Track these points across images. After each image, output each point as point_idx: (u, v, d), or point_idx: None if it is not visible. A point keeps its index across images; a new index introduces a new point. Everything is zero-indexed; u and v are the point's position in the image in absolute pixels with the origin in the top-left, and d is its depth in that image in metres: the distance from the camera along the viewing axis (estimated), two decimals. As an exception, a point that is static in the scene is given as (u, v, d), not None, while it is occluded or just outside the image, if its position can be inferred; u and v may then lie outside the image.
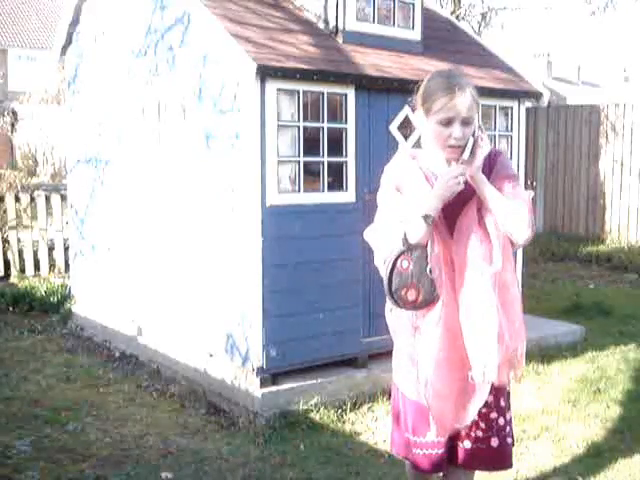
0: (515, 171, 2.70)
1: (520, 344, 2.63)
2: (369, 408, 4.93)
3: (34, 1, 34.95)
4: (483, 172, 2.60)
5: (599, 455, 4.12)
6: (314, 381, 4.90)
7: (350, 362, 5.18)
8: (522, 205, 2.56)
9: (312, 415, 4.69)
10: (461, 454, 2.74)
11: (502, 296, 2.59)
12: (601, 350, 6.05)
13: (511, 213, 2.55)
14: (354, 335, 5.16)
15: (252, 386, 4.77)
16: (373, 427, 4.67)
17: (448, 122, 2.54)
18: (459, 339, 2.58)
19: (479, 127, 2.62)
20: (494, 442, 2.71)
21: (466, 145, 2.57)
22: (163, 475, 3.90)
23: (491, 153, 2.69)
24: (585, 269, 9.98)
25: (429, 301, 2.57)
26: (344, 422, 4.72)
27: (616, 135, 11.13)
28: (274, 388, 4.77)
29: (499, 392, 2.71)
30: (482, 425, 2.70)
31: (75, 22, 6.74)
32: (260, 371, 4.76)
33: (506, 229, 2.56)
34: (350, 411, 4.84)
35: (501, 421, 2.72)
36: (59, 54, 7.04)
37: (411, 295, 2.57)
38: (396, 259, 2.57)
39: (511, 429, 2.78)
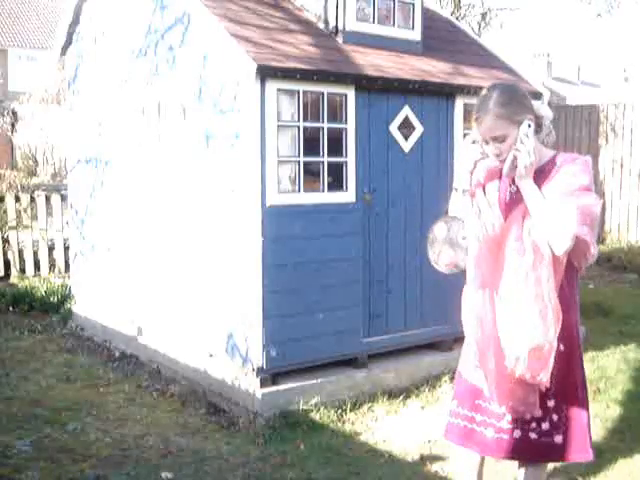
0: (583, 180, 2.70)
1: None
2: (369, 408, 4.93)
3: (34, 1, 34.95)
4: (542, 178, 2.71)
5: (599, 455, 4.09)
6: (314, 381, 4.90)
7: (350, 362, 5.18)
8: (562, 218, 2.58)
9: (312, 415, 4.69)
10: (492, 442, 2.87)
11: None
12: (601, 350, 6.05)
13: (548, 225, 2.61)
14: (354, 335, 5.16)
15: (252, 386, 4.77)
16: (373, 427, 4.67)
17: (484, 142, 2.76)
18: (488, 325, 2.75)
19: (524, 136, 2.68)
20: (516, 433, 2.80)
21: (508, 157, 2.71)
22: (163, 475, 3.90)
23: (555, 160, 2.78)
24: (585, 269, 9.98)
25: (459, 267, 2.86)
26: (344, 422, 4.72)
27: (616, 135, 11.12)
28: (274, 388, 4.77)
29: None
30: (508, 417, 2.81)
31: (75, 22, 6.74)
32: (260, 371, 4.76)
33: (546, 238, 2.63)
34: (350, 411, 4.84)
35: (527, 416, 2.79)
36: (59, 54, 7.04)
37: (441, 256, 2.89)
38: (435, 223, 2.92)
39: (550, 422, 2.80)
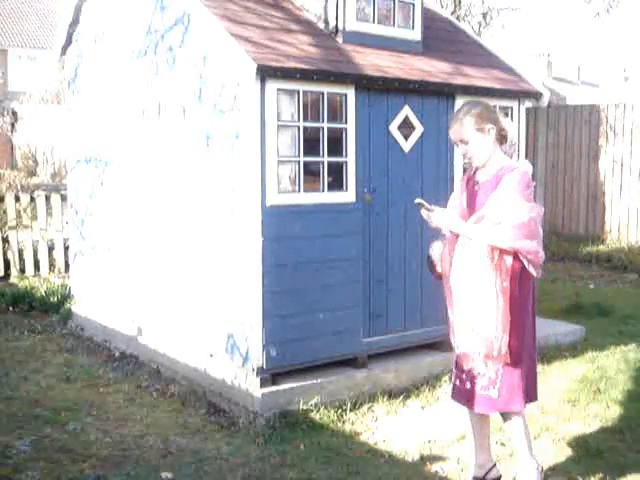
0: (514, 189, 3.37)
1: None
2: (369, 408, 4.93)
3: (34, 1, 34.97)
4: (494, 183, 3.45)
5: (599, 455, 4.12)
6: (314, 381, 4.90)
7: (350, 362, 5.18)
8: (494, 229, 3.34)
9: (312, 415, 4.69)
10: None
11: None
12: (601, 350, 6.05)
13: (485, 237, 3.38)
14: (354, 335, 5.16)
15: (252, 386, 4.77)
16: (373, 427, 4.67)
17: (456, 144, 3.61)
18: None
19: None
20: (467, 385, 3.54)
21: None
22: (163, 475, 3.90)
23: (505, 168, 3.47)
24: (585, 269, 9.98)
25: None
26: (344, 422, 4.72)
27: (616, 135, 11.12)
28: (274, 388, 4.77)
29: None
30: (465, 370, 3.55)
31: (75, 22, 6.74)
32: (260, 371, 4.76)
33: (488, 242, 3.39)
34: (350, 411, 4.84)
35: (475, 372, 3.48)
36: (59, 54, 7.04)
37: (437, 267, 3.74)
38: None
39: (488, 379, 3.46)
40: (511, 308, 3.36)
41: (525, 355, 3.50)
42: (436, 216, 3.54)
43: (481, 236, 3.38)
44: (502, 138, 3.55)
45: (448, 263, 3.55)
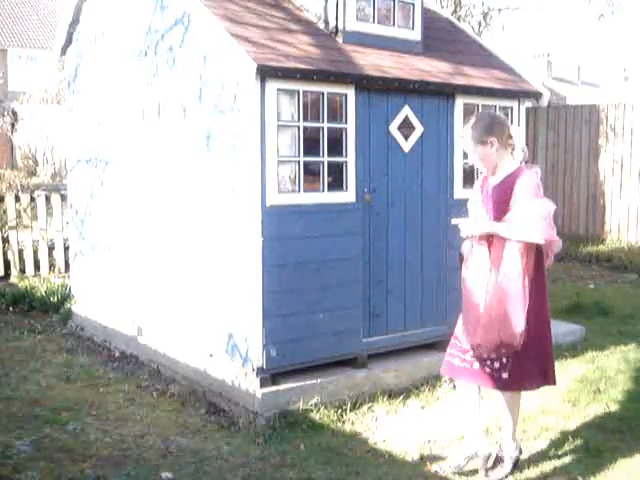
0: (530, 187, 3.65)
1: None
2: (369, 408, 4.93)
3: (34, 1, 34.98)
4: (508, 186, 3.72)
5: (599, 455, 4.12)
6: (314, 381, 4.90)
7: (350, 362, 5.18)
8: (522, 224, 3.60)
9: (312, 415, 4.69)
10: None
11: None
12: (601, 350, 6.05)
13: (516, 233, 3.63)
14: (354, 335, 5.16)
15: (252, 386, 4.77)
16: (373, 427, 4.67)
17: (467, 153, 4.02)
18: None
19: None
20: (475, 365, 3.80)
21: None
22: (163, 475, 3.91)
23: (514, 173, 3.74)
24: (585, 269, 9.98)
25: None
26: (344, 422, 4.72)
27: (616, 135, 11.12)
28: (274, 388, 4.77)
29: None
30: (471, 352, 3.82)
31: (75, 22, 6.74)
32: (260, 371, 4.76)
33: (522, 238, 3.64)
34: (350, 411, 4.84)
35: (485, 355, 3.76)
36: (59, 54, 7.04)
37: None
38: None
39: (500, 364, 3.74)
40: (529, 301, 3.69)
41: (539, 342, 3.81)
42: (469, 224, 3.82)
43: (514, 232, 3.62)
44: (509, 147, 3.80)
45: (481, 264, 3.78)
